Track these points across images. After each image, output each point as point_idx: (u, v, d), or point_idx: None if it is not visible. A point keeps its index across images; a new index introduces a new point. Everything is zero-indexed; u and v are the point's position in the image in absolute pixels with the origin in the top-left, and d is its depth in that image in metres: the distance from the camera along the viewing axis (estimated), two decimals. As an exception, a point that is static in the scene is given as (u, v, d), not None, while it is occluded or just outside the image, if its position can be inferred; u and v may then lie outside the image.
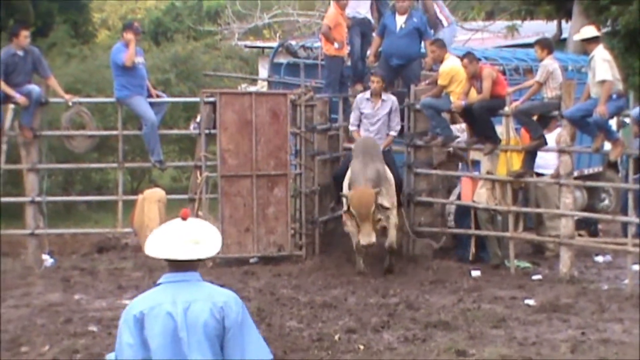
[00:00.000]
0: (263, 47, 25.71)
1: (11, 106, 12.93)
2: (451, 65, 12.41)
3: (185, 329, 4.43)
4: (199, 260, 4.58)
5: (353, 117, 12.64)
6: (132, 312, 4.47)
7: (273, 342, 8.54)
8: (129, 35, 12.65)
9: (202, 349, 4.42)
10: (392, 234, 11.72)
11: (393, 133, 12.55)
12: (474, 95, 12.25)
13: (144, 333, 4.43)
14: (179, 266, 4.54)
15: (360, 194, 11.12)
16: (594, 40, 11.40)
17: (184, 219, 4.69)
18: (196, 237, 4.58)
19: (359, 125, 12.54)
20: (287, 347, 8.73)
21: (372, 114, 12.37)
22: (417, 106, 12.73)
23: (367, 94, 12.61)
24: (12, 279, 11.70)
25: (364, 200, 11.06)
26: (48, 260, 12.68)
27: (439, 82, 12.49)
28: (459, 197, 13.05)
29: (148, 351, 4.45)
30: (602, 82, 10.98)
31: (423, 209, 12.80)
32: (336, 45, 13.28)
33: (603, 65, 11.05)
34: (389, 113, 12.58)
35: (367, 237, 10.95)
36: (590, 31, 11.59)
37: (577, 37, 11.97)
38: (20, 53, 12.28)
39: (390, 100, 12.42)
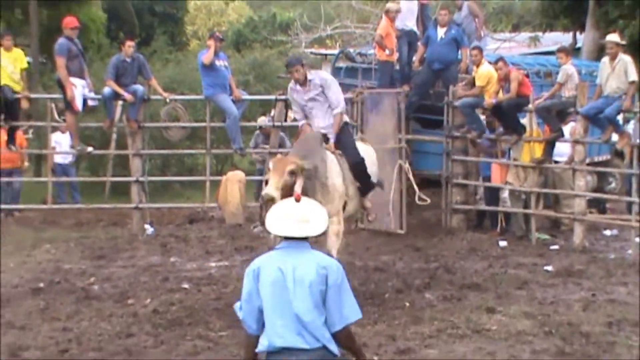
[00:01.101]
0: (326, 54, 24.89)
1: (120, 102, 13.17)
2: (487, 69, 12.38)
3: (292, 282, 4.47)
4: (308, 237, 4.71)
5: (296, 110, 9.36)
6: (252, 267, 4.59)
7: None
8: (210, 42, 12.79)
9: (305, 299, 4.46)
10: (330, 242, 8.63)
11: (338, 110, 8.91)
12: (501, 95, 12.20)
13: (258, 284, 4.55)
14: (292, 238, 4.67)
15: (284, 157, 8.23)
16: (621, 46, 11.31)
17: (298, 200, 4.71)
18: (307, 217, 4.62)
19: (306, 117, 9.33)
20: (344, 303, 8.92)
21: (305, 99, 9.05)
22: (455, 103, 12.61)
23: (292, 83, 9.17)
24: (121, 245, 11.93)
25: (284, 160, 7.90)
26: (149, 229, 12.85)
27: (478, 83, 12.41)
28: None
29: (261, 299, 4.65)
30: (633, 82, 10.88)
31: (459, 189, 12.68)
32: (387, 52, 13.25)
33: (632, 68, 10.99)
34: (323, 90, 9.24)
35: (269, 187, 7.68)
36: (618, 37, 11.46)
37: (611, 37, 11.57)
38: (128, 59, 12.59)
39: (316, 76, 9.11)
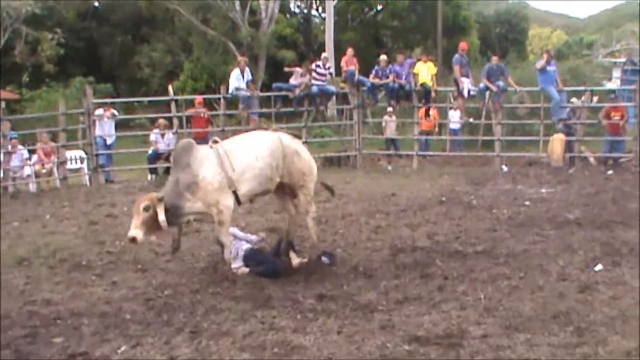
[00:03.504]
0: (615, 62, 26.63)
1: (488, 92, 14.10)
2: None
3: None
4: None
5: None
6: None
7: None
8: (545, 55, 13.70)
9: None
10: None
11: None
12: None
13: None
14: None
15: (140, 196, 6.74)
16: None
17: None
18: None
19: None
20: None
21: None
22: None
23: None
24: (488, 177, 12.56)
25: (138, 199, 6.54)
26: (504, 168, 13.55)
27: None
28: None
29: None
30: None
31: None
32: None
33: None
34: None
35: (130, 230, 6.33)
36: None
37: None
38: (494, 66, 13.78)
39: None
